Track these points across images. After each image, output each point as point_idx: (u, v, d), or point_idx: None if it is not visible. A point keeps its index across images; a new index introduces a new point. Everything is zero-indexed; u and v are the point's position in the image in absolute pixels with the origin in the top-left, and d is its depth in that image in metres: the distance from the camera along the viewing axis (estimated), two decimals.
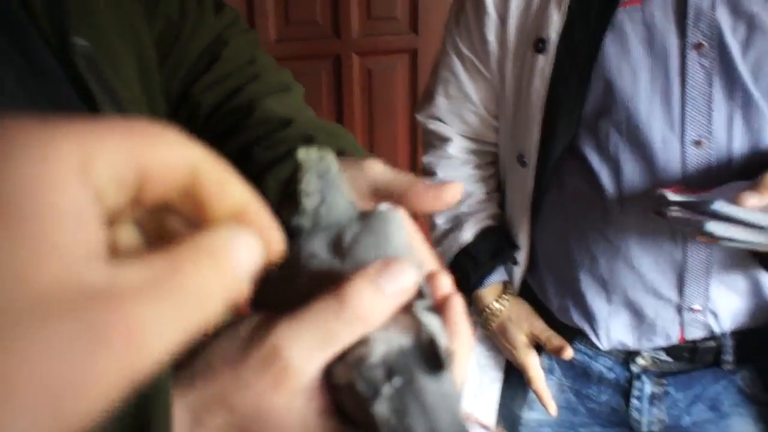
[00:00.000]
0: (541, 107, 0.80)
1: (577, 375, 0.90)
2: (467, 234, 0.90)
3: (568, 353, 0.85)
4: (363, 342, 0.28)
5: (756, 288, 0.78)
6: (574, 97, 0.77)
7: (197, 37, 0.53)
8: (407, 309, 0.29)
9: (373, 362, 0.27)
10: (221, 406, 0.28)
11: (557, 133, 0.79)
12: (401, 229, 0.32)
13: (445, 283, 0.32)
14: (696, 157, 0.74)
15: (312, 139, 0.45)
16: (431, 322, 0.29)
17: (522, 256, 0.90)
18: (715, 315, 0.79)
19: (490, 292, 0.91)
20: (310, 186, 0.33)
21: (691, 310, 0.78)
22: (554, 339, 0.87)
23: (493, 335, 0.92)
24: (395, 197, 0.37)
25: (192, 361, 0.29)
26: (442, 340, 0.28)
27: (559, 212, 0.84)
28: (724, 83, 0.71)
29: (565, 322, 0.87)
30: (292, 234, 0.32)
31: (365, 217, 0.32)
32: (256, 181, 0.44)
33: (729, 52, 0.70)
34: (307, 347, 0.27)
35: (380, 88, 1.85)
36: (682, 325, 0.80)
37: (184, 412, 0.28)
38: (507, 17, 0.81)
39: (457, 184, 0.37)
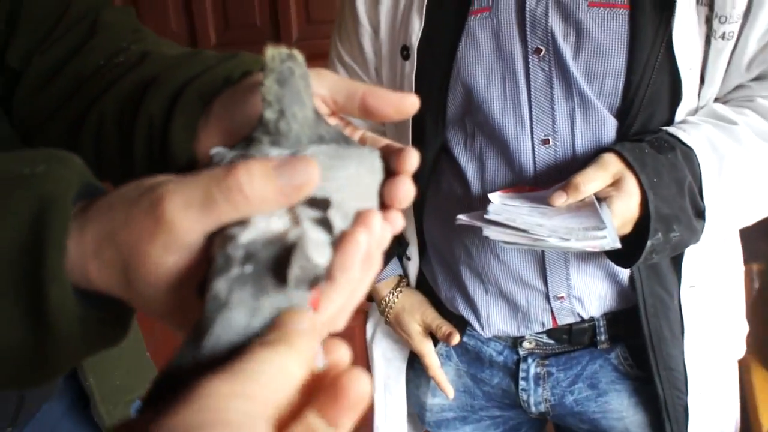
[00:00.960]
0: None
1: (472, 360, 0.95)
2: None
3: (455, 339, 0.91)
4: (243, 225, 0.28)
5: (612, 273, 0.82)
6: (437, 100, 0.81)
7: (32, 4, 0.50)
8: (296, 222, 0.28)
9: (238, 243, 0.27)
10: (111, 241, 0.29)
11: (426, 135, 0.84)
12: (377, 167, 0.32)
13: (376, 222, 0.31)
14: (545, 155, 0.77)
15: (235, 55, 0.43)
16: (311, 234, 0.28)
17: (413, 251, 0.94)
18: (580, 301, 0.83)
19: (385, 285, 0.96)
20: (269, 93, 0.31)
21: (557, 298, 0.83)
22: (443, 326, 0.92)
23: (391, 326, 0.97)
24: (355, 102, 0.36)
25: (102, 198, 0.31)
26: (305, 260, 0.27)
27: (438, 210, 0.89)
28: (562, 85, 0.75)
29: (453, 312, 0.92)
30: (250, 140, 0.32)
31: (343, 141, 0.32)
32: (170, 105, 0.41)
33: (563, 56, 0.73)
34: (184, 203, 0.27)
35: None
36: (552, 312, 0.84)
37: (89, 241, 0.29)
38: (378, 28, 0.85)
39: (414, 96, 0.37)
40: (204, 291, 0.27)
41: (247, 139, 0.33)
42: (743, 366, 1.11)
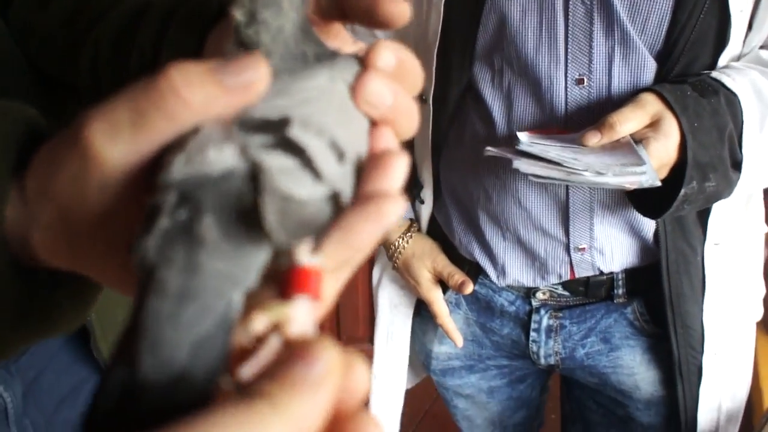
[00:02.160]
0: (436, 41, 0.79)
1: (482, 309, 0.93)
2: None
3: (468, 288, 0.88)
4: (182, 148, 0.21)
5: (637, 228, 0.78)
6: (467, 30, 0.76)
7: None
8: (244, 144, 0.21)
9: (170, 178, 0.20)
10: (45, 196, 0.24)
11: (452, 70, 0.79)
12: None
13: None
14: (578, 96, 0.73)
15: None
16: (271, 161, 0.21)
17: (427, 193, 0.91)
18: (601, 253, 0.80)
19: (395, 229, 0.93)
20: (243, 4, 0.23)
21: (578, 249, 0.80)
22: (456, 275, 0.89)
23: (399, 272, 0.95)
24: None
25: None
26: (280, 193, 0.20)
27: (458, 149, 0.85)
28: (603, 20, 0.70)
29: (468, 258, 0.89)
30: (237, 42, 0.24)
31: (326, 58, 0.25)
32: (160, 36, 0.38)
33: None
34: (110, 127, 0.22)
35: None
36: (571, 264, 0.82)
37: (26, 204, 0.25)
38: None
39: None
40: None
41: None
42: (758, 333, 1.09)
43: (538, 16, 0.72)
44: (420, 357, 1.02)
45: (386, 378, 1.01)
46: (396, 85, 0.26)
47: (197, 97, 0.21)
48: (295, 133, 0.22)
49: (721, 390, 0.84)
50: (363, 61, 0.25)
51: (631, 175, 0.59)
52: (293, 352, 0.18)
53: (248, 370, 0.18)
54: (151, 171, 0.22)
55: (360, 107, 0.25)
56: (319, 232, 0.21)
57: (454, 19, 0.76)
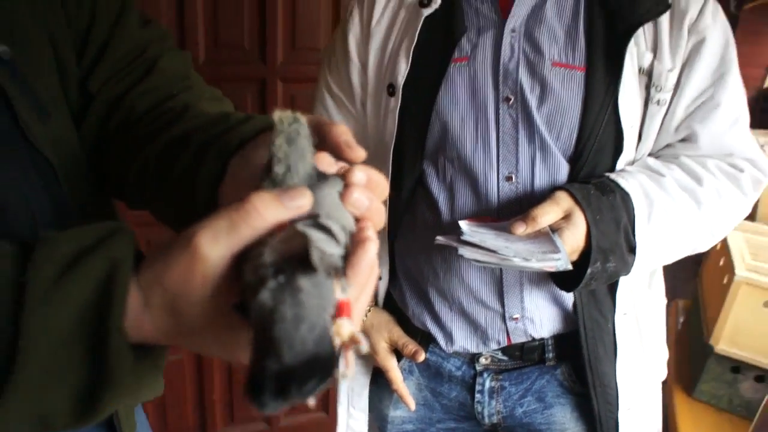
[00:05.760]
0: (392, 142, 0.94)
1: (432, 375, 1.04)
2: None
3: (421, 357, 1.00)
4: (263, 247, 0.33)
5: (559, 299, 0.94)
6: (417, 136, 0.92)
7: (120, 42, 0.61)
8: (299, 231, 0.34)
9: (265, 261, 0.33)
10: (158, 285, 0.35)
11: (405, 166, 0.94)
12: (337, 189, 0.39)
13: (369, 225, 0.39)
14: (508, 190, 0.89)
15: (250, 118, 0.53)
16: (315, 235, 0.34)
17: (384, 271, 1.04)
18: (532, 322, 0.94)
19: None
20: (280, 151, 0.37)
21: (512, 318, 0.94)
22: (410, 344, 1.01)
23: None
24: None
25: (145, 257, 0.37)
26: (320, 251, 0.33)
27: (411, 235, 0.99)
28: (526, 130, 0.87)
29: (420, 328, 1.02)
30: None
31: (322, 178, 0.39)
32: (196, 159, 0.50)
33: (529, 106, 0.86)
34: (212, 235, 0.33)
35: (302, 112, 1.99)
36: (507, 332, 0.95)
37: (137, 293, 0.35)
38: (367, 65, 0.96)
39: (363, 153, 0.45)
40: (244, 307, 0.33)
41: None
42: (668, 391, 1.25)
43: (474, 124, 0.89)
44: (376, 422, 1.11)
45: None
46: (369, 193, 0.41)
47: (269, 214, 0.34)
48: (323, 220, 0.36)
49: None
50: (345, 178, 0.41)
51: (550, 260, 0.74)
52: (345, 344, 0.33)
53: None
54: (236, 260, 0.34)
55: (347, 208, 0.39)
56: (339, 271, 0.35)
57: (407, 124, 0.92)
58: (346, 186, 0.40)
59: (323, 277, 0.33)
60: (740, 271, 1.80)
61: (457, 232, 0.81)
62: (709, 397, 1.36)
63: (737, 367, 1.49)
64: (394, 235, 1.00)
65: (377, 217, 0.41)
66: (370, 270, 0.37)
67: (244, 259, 0.35)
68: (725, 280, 1.84)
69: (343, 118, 1.02)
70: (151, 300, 0.35)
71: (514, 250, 0.75)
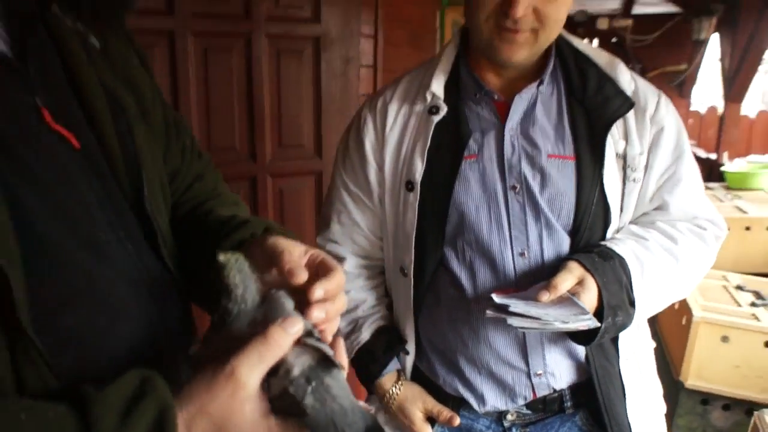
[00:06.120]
0: (413, 231, 1.07)
1: None
2: (365, 334, 1.15)
3: (456, 421, 1.10)
4: (283, 366, 0.49)
5: (574, 353, 1.08)
6: (437, 224, 1.06)
7: (188, 174, 0.81)
8: (303, 343, 0.52)
9: (296, 374, 0.50)
10: (203, 415, 0.46)
11: (428, 251, 1.07)
12: (289, 301, 0.56)
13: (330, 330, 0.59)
14: (521, 264, 1.04)
15: (248, 222, 0.71)
16: (321, 345, 0.53)
17: (411, 346, 1.15)
18: (553, 375, 1.07)
19: (388, 380, 1.15)
20: (236, 279, 0.53)
21: (537, 374, 1.07)
22: (444, 411, 1.11)
23: (393, 416, 1.14)
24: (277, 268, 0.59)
25: (180, 392, 0.48)
26: (330, 354, 0.53)
27: (436, 311, 1.11)
28: (532, 213, 1.03)
29: (452, 394, 1.12)
30: (223, 312, 0.54)
31: (266, 298, 0.55)
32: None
33: (533, 192, 1.03)
34: (249, 365, 0.48)
35: (290, 205, 2.16)
36: (533, 387, 1.08)
37: (183, 426, 0.46)
38: (383, 165, 1.10)
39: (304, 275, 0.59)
40: (290, 413, 0.50)
41: (221, 302, 0.56)
42: None
43: (487, 211, 1.04)
44: None
45: None
46: (325, 304, 0.58)
47: (285, 342, 0.51)
48: (311, 336, 0.55)
49: None
50: (307, 293, 0.58)
51: (582, 321, 0.88)
52: None
53: None
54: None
55: (310, 319, 0.57)
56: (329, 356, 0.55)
57: (428, 215, 1.06)
58: (308, 303, 0.57)
59: (336, 370, 0.52)
60: (697, 311, 2.03)
61: (478, 307, 0.94)
62: (686, 430, 1.51)
63: (706, 399, 1.67)
64: (418, 311, 1.12)
65: (334, 321, 0.61)
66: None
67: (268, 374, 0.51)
68: (683, 321, 2.06)
69: (360, 212, 1.15)
70: (195, 428, 0.47)
71: (553, 316, 0.89)
